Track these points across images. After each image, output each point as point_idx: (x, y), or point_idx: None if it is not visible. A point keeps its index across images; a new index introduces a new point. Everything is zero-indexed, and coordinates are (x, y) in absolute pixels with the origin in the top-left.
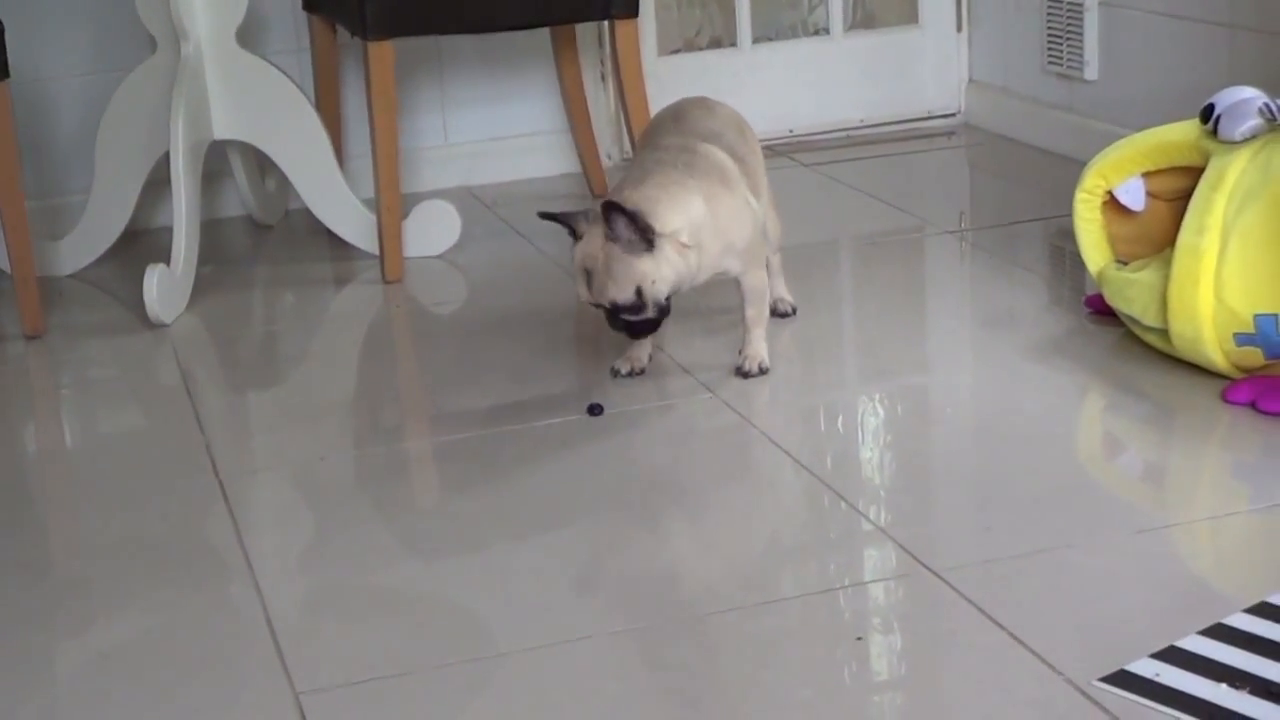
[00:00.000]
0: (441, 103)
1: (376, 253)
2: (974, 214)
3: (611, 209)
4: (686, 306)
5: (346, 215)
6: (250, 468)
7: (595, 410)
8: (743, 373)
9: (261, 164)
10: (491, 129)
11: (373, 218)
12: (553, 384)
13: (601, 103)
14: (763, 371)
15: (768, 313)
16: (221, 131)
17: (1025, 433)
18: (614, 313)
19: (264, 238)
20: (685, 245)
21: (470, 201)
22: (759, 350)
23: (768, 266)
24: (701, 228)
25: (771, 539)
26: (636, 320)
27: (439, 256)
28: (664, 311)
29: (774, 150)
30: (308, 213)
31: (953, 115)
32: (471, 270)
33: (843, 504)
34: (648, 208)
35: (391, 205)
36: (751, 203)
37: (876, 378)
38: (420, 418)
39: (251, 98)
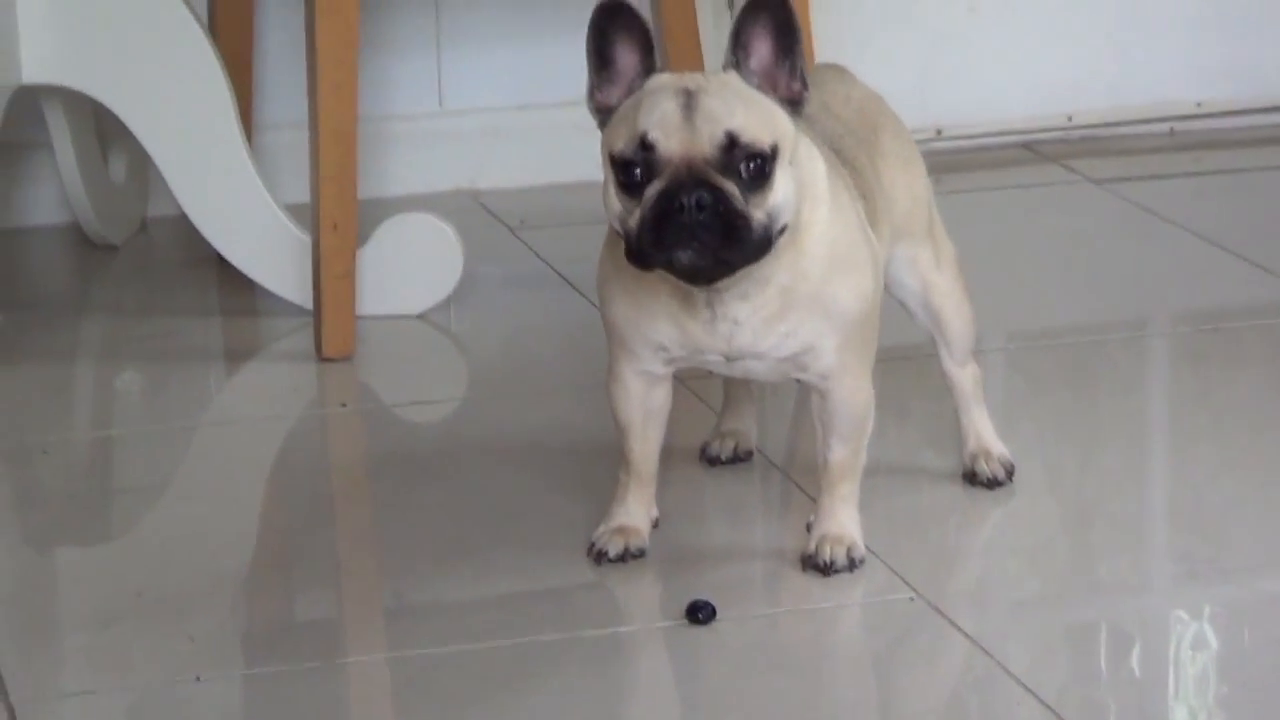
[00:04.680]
0: (435, 41)
1: (307, 305)
2: None
3: (766, 6)
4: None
5: (255, 233)
6: (58, 690)
7: (701, 613)
8: (818, 565)
9: (103, 134)
10: (519, 91)
11: (304, 240)
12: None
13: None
14: (854, 564)
15: (864, 458)
16: (36, 72)
17: None
18: (692, 179)
19: (101, 266)
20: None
21: (478, 216)
22: (847, 526)
23: (954, 388)
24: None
25: None
26: (721, 209)
27: (419, 316)
28: (767, 232)
29: (1036, 150)
30: (183, 225)
31: None
32: (476, 343)
33: None
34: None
35: (340, 219)
36: (872, 239)
37: (1207, 577)
38: (368, 613)
39: (92, 14)
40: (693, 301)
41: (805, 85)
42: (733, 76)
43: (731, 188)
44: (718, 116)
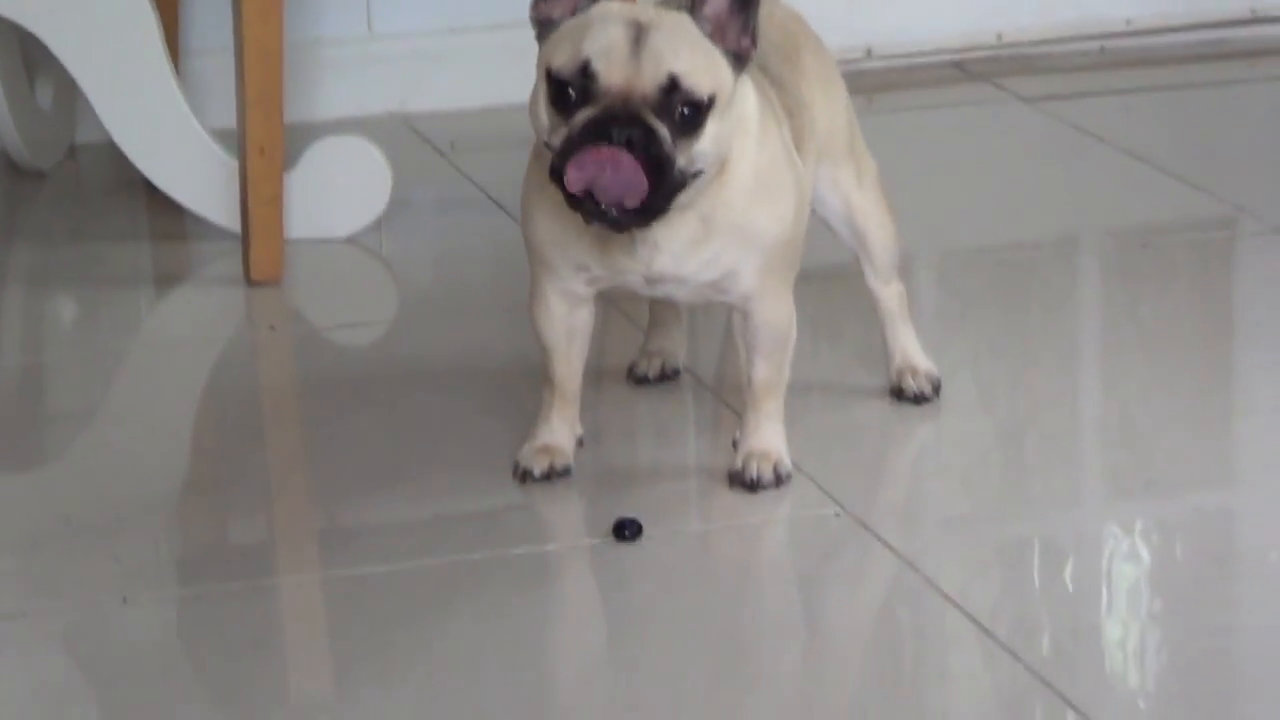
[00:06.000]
0: None
1: (235, 229)
2: None
3: None
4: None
5: (183, 158)
6: None
7: (628, 530)
8: (745, 481)
9: (30, 61)
10: (449, 14)
11: (231, 164)
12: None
13: None
14: (780, 480)
15: (788, 375)
16: None
17: None
18: (626, 114)
19: (29, 193)
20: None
21: (408, 140)
22: (773, 442)
23: (879, 306)
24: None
25: None
26: (651, 151)
27: (348, 240)
28: (683, 177)
29: (966, 69)
30: (111, 151)
31: None
32: (405, 267)
33: (1071, 717)
34: None
35: (267, 144)
36: (797, 162)
37: (1138, 493)
38: (299, 534)
39: None
40: None
41: (754, 43)
42: (685, 19)
43: (663, 130)
44: (664, 56)
